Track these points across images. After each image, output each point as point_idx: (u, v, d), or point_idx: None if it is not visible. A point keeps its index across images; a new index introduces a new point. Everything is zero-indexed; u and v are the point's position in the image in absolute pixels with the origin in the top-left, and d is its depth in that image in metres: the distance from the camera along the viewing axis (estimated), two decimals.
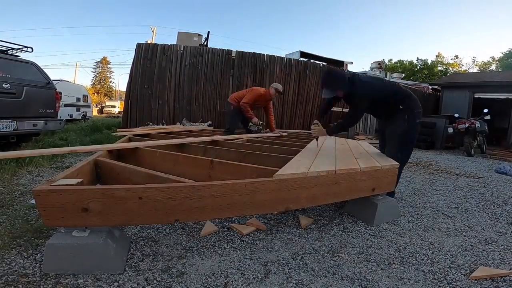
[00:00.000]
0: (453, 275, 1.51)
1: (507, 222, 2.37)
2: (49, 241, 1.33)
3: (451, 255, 1.73)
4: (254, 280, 1.37)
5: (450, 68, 27.28)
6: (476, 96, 9.64)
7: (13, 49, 4.15)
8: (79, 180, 1.43)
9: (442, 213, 2.51)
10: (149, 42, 9.65)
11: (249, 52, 6.85)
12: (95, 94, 35.96)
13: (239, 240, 1.77)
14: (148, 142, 2.59)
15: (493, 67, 25.87)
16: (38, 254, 1.46)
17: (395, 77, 13.93)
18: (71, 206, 1.28)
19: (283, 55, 7.94)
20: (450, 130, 7.68)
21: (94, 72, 42.91)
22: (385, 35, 72.46)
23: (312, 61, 8.27)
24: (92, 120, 12.56)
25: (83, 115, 13.78)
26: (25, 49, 4.23)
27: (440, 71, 26.61)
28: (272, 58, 7.03)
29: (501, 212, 2.65)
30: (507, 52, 24.37)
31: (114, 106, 27.93)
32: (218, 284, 1.33)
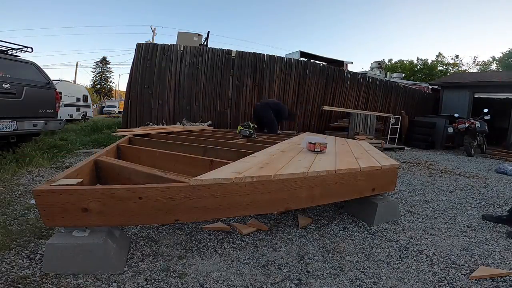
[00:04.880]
0: (453, 275, 1.51)
1: None
2: (49, 241, 1.33)
3: (451, 255, 1.73)
4: (254, 280, 1.37)
5: (450, 68, 27.26)
6: (476, 96, 9.63)
7: (13, 49, 4.15)
8: (79, 180, 1.43)
9: (442, 213, 2.51)
10: (149, 42, 9.66)
11: (249, 52, 6.84)
12: (95, 94, 35.91)
13: (239, 240, 1.77)
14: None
15: (493, 67, 25.87)
16: (38, 254, 1.46)
17: (395, 77, 13.94)
18: (71, 206, 1.28)
19: (283, 55, 7.94)
20: (450, 130, 7.69)
21: (94, 72, 42.92)
22: (385, 35, 72.44)
23: (312, 61, 8.27)
24: (92, 120, 12.56)
25: (83, 115, 13.78)
26: (25, 49, 4.22)
27: (440, 71, 26.60)
28: (272, 58, 7.03)
29: (501, 212, 2.65)
30: (507, 52, 24.36)
31: (114, 106, 27.88)
32: (218, 284, 1.32)
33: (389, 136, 8.16)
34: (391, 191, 2.36)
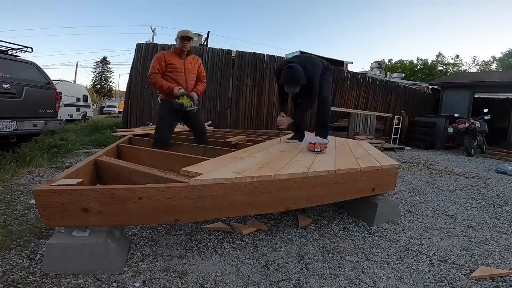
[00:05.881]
0: (453, 275, 1.51)
1: (507, 222, 2.37)
2: (49, 241, 1.33)
3: (451, 255, 1.73)
4: (253, 280, 1.37)
5: (450, 68, 27.26)
6: (476, 96, 9.63)
7: (13, 49, 4.15)
8: (79, 180, 1.43)
9: (442, 213, 2.51)
10: (149, 42, 9.66)
11: (249, 52, 6.84)
12: (95, 94, 35.86)
13: (239, 240, 1.77)
14: None
15: (493, 67, 25.85)
16: (38, 254, 1.46)
17: (395, 77, 13.94)
18: (71, 206, 1.28)
19: (283, 55, 7.94)
20: (450, 130, 7.68)
21: (94, 72, 42.92)
22: (385, 35, 72.43)
23: None
24: (92, 120, 12.56)
25: (83, 115, 13.79)
26: (25, 49, 4.22)
27: (440, 71, 26.59)
28: (272, 58, 7.03)
29: (501, 212, 2.65)
30: (507, 52, 24.36)
31: (114, 106, 27.84)
32: (217, 284, 1.32)
33: (392, 136, 8.17)
34: (391, 191, 2.36)
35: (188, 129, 3.09)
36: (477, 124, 6.94)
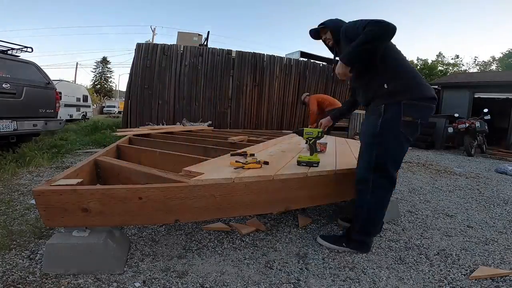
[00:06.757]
0: (453, 275, 1.51)
1: (507, 222, 2.37)
2: (49, 241, 1.33)
3: (451, 255, 1.73)
4: (253, 280, 1.37)
5: (451, 68, 27.24)
6: (476, 96, 9.63)
7: (13, 49, 4.15)
8: (79, 180, 1.43)
9: (442, 213, 2.51)
10: (149, 42, 9.66)
11: (249, 52, 6.84)
12: (95, 94, 35.86)
13: (239, 240, 1.77)
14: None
15: (493, 67, 25.85)
16: (38, 254, 1.46)
17: None
18: (71, 206, 1.28)
19: (283, 55, 7.94)
20: (450, 130, 7.69)
21: (94, 72, 42.96)
22: None
23: (312, 61, 8.28)
24: (92, 120, 12.56)
25: (83, 115, 13.80)
26: (25, 49, 4.23)
27: (440, 71, 26.57)
28: (272, 58, 7.03)
29: (501, 212, 2.65)
30: (507, 52, 24.36)
31: (114, 106, 27.81)
32: (217, 284, 1.32)
33: None
34: None
35: (188, 129, 3.09)
36: (477, 124, 6.94)
